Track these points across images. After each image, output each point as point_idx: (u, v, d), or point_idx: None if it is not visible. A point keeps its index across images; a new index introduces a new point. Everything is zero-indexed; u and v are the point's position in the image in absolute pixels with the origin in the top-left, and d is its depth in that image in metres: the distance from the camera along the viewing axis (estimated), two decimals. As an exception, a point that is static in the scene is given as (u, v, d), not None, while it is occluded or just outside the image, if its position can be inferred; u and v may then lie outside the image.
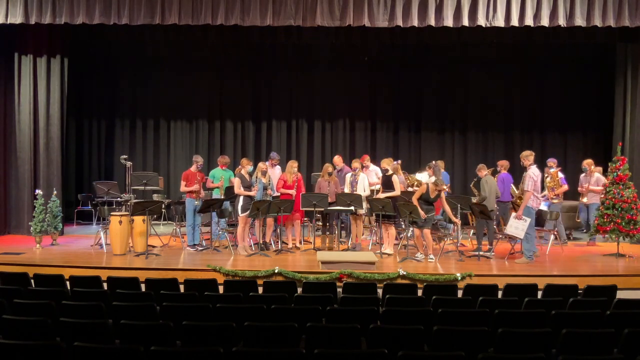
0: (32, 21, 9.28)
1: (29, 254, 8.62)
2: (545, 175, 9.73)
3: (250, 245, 9.09)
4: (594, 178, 9.90)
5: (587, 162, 10.07)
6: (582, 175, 10.13)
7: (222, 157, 9.78)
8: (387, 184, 8.94)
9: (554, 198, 9.59)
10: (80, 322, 4.52)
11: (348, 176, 9.51)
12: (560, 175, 9.85)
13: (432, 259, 8.33)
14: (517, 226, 8.16)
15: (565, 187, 9.77)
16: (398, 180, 8.94)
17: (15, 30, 10.00)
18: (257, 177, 8.93)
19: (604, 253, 9.07)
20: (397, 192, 8.81)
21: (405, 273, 7.42)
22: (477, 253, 8.60)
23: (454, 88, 12.64)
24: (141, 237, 8.61)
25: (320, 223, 9.57)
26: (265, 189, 9.01)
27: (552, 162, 9.91)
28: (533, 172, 8.25)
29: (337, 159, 10.15)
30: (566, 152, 12.48)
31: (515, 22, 9.10)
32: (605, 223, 8.77)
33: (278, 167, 10.07)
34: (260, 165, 9.09)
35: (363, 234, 9.65)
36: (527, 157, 8.39)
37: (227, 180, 9.50)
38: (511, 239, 8.74)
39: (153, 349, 3.86)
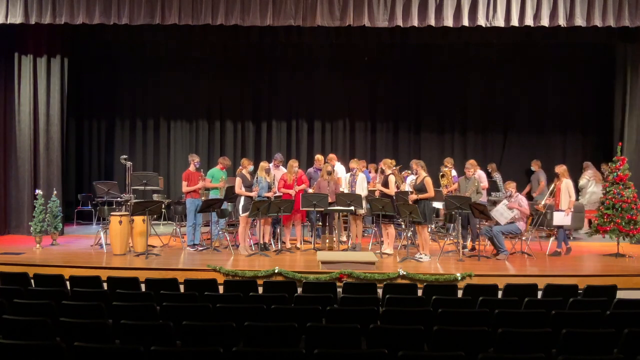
0: (32, 21, 9.28)
1: (29, 254, 8.61)
2: (440, 174, 9.84)
3: (250, 246, 9.09)
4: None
5: (470, 163, 10.07)
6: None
7: (224, 159, 9.65)
8: (385, 184, 8.96)
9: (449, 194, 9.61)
10: (80, 322, 4.53)
11: (347, 176, 9.53)
12: (454, 173, 10.08)
13: (422, 258, 8.31)
14: (502, 212, 8.50)
15: (457, 185, 9.71)
16: (393, 181, 8.95)
17: (15, 30, 10.00)
18: (257, 177, 8.93)
19: (604, 253, 9.07)
20: (391, 191, 8.81)
21: (405, 273, 7.42)
22: (476, 253, 8.66)
23: (454, 88, 12.62)
24: (141, 237, 8.61)
25: (320, 223, 9.59)
26: (269, 188, 9.02)
27: (448, 161, 10.25)
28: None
29: (320, 158, 10.17)
30: (566, 152, 12.48)
31: (515, 22, 9.10)
32: (605, 223, 8.78)
33: (282, 168, 10.06)
34: (263, 164, 9.08)
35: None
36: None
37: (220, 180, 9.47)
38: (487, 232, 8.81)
39: (153, 349, 3.86)
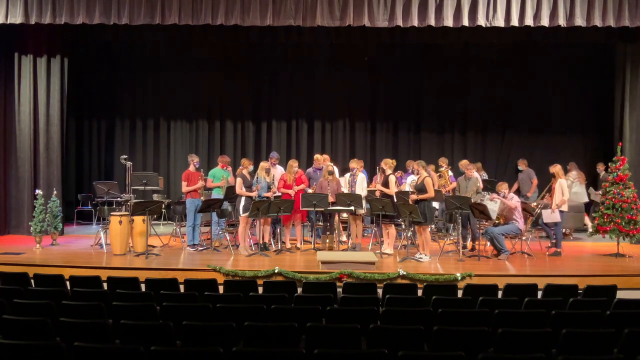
0: (32, 21, 9.28)
1: (29, 254, 8.61)
2: (438, 174, 9.88)
3: (250, 246, 9.09)
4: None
5: (464, 163, 10.10)
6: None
7: (223, 157, 9.78)
8: (386, 184, 8.96)
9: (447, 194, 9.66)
10: (80, 322, 4.53)
11: (347, 176, 9.53)
12: (450, 173, 10.14)
13: (422, 258, 8.31)
14: (490, 207, 8.58)
15: (455, 184, 9.82)
16: (394, 181, 8.95)
17: (15, 30, 10.00)
18: (257, 177, 8.93)
19: (604, 253, 9.07)
20: (391, 191, 8.82)
21: (405, 273, 7.42)
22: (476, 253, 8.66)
23: (454, 88, 12.62)
24: (141, 237, 8.61)
25: (321, 223, 9.59)
26: (269, 188, 9.02)
27: (443, 161, 10.29)
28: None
29: (320, 157, 10.17)
30: (565, 152, 12.44)
31: (515, 22, 9.10)
32: (605, 223, 8.78)
33: (279, 167, 10.07)
34: (263, 164, 9.09)
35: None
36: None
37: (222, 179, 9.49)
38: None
39: (153, 349, 3.86)
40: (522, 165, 11.42)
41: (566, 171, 11.05)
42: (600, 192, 10.98)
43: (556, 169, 9.13)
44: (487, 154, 12.53)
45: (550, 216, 8.83)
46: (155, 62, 12.62)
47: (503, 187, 8.82)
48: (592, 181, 11.66)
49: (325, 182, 9.34)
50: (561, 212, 8.89)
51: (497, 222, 8.84)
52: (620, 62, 11.17)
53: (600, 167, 11.39)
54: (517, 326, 4.62)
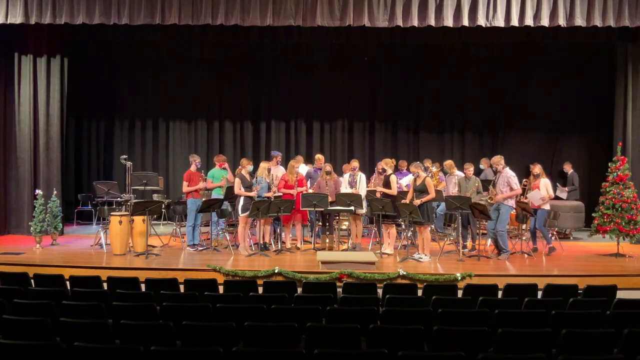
0: (32, 21, 9.29)
1: (29, 254, 8.61)
2: (429, 174, 9.86)
3: (250, 246, 9.09)
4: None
5: (450, 163, 10.12)
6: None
7: (219, 156, 9.77)
8: (386, 184, 8.95)
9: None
10: (80, 322, 4.53)
11: (347, 176, 9.53)
12: (440, 173, 10.19)
13: (422, 258, 8.31)
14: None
15: (444, 183, 9.88)
16: (395, 180, 8.95)
17: (15, 30, 10.00)
18: (257, 177, 8.93)
19: (604, 253, 9.07)
20: (393, 191, 8.81)
21: (405, 273, 7.42)
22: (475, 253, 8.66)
23: (454, 88, 12.62)
24: (141, 237, 8.61)
25: (320, 223, 9.58)
26: (269, 188, 9.02)
27: (428, 162, 10.39)
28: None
29: (321, 157, 10.19)
30: (566, 152, 12.46)
31: (515, 22, 9.11)
32: (605, 223, 8.79)
33: (281, 167, 10.06)
34: (264, 164, 9.09)
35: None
36: (499, 162, 8.77)
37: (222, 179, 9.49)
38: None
39: (153, 349, 3.86)
40: (484, 164, 11.23)
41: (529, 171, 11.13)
42: (567, 188, 11.23)
43: (539, 169, 9.22)
44: (486, 154, 12.48)
45: (537, 199, 8.86)
46: (155, 62, 12.62)
47: (496, 162, 8.79)
48: (564, 181, 11.79)
49: (323, 182, 9.34)
50: (544, 209, 8.95)
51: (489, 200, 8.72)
52: (621, 62, 11.16)
53: (567, 167, 11.63)
54: (517, 326, 4.61)
